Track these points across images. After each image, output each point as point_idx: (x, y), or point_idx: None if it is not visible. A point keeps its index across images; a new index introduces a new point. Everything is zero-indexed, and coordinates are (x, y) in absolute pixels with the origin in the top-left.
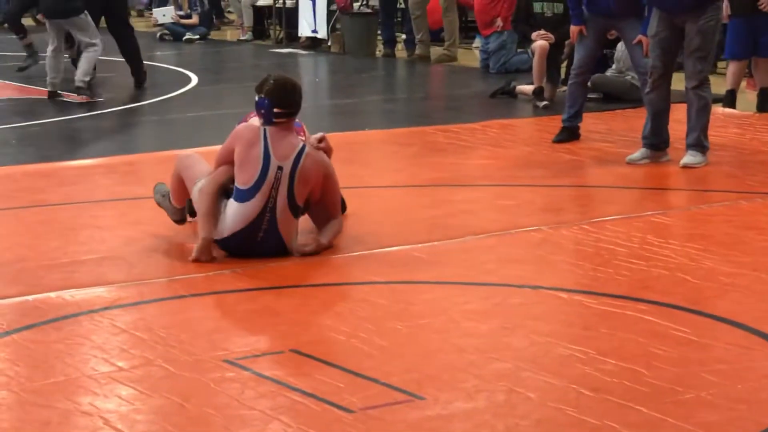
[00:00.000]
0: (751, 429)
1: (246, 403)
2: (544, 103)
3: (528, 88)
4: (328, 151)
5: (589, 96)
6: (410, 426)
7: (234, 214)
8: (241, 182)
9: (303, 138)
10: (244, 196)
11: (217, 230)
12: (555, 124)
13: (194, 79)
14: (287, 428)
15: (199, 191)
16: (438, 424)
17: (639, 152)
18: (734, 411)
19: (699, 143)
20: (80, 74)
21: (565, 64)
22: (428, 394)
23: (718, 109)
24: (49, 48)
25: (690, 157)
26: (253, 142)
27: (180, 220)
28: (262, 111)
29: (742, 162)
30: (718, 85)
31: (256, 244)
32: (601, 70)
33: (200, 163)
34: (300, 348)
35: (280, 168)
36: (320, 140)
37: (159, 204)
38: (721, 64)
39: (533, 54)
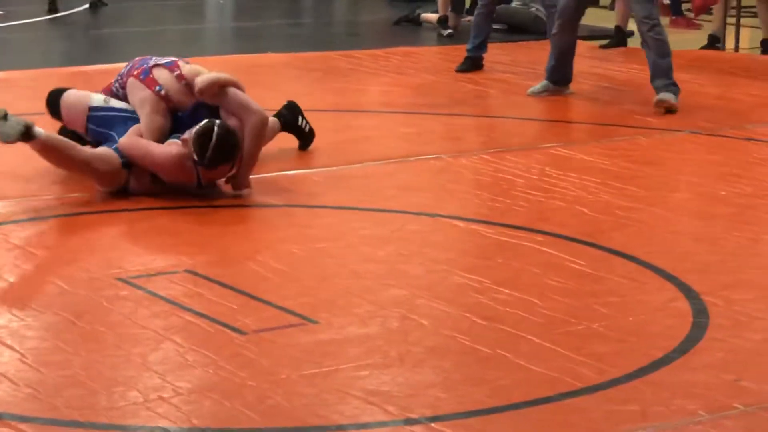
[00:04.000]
0: (641, 360)
1: (139, 321)
2: (449, 31)
3: (432, 17)
4: (222, 86)
5: (493, 27)
6: (303, 349)
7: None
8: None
9: (178, 72)
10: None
11: None
12: (459, 53)
13: None
14: (179, 348)
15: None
16: (330, 348)
17: (540, 85)
18: (624, 342)
19: (668, 86)
20: None
21: None
22: (322, 319)
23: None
24: None
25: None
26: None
27: None
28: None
29: (643, 99)
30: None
31: None
32: (506, 1)
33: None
34: (195, 268)
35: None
36: (201, 92)
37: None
38: None
39: None
